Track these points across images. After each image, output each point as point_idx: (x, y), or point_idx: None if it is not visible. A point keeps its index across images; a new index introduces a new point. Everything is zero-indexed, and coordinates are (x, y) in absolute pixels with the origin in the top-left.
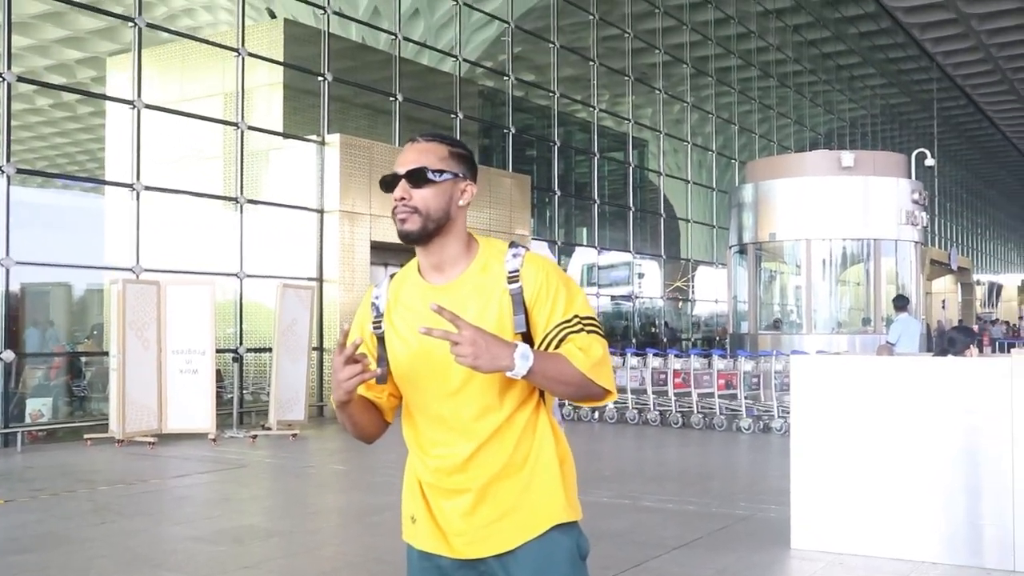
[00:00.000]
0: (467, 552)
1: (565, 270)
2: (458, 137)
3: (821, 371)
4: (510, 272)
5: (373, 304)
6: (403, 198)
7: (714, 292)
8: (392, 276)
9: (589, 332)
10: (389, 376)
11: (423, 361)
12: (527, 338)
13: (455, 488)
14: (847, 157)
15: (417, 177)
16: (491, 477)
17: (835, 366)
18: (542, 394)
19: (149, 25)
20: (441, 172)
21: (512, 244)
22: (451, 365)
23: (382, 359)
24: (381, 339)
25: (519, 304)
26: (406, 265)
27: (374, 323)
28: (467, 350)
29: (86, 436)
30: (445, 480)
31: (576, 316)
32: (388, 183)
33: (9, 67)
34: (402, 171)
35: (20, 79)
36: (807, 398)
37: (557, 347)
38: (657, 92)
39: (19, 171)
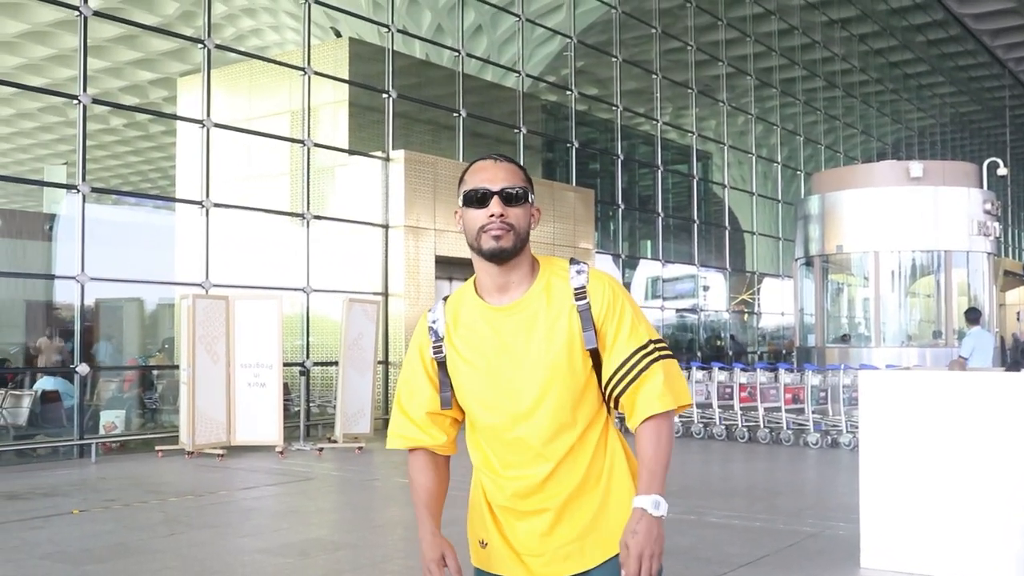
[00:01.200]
0: (546, 573)
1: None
2: (522, 151)
3: (891, 386)
4: (576, 289)
5: (431, 329)
6: (501, 215)
7: (780, 305)
8: (445, 299)
9: (662, 357)
10: (453, 400)
11: (492, 385)
12: (596, 353)
13: (532, 510)
14: (916, 167)
15: (518, 197)
16: (569, 495)
17: (905, 381)
18: (608, 408)
19: (218, 46)
20: (529, 193)
21: (572, 261)
22: (522, 388)
23: (444, 384)
24: (442, 364)
25: (588, 320)
26: (460, 288)
27: (434, 348)
28: (648, 568)
29: (157, 448)
30: (521, 503)
31: (650, 341)
32: (478, 199)
33: (84, 89)
34: (496, 188)
35: (95, 101)
36: (877, 414)
37: (636, 377)
38: (721, 104)
39: (94, 190)
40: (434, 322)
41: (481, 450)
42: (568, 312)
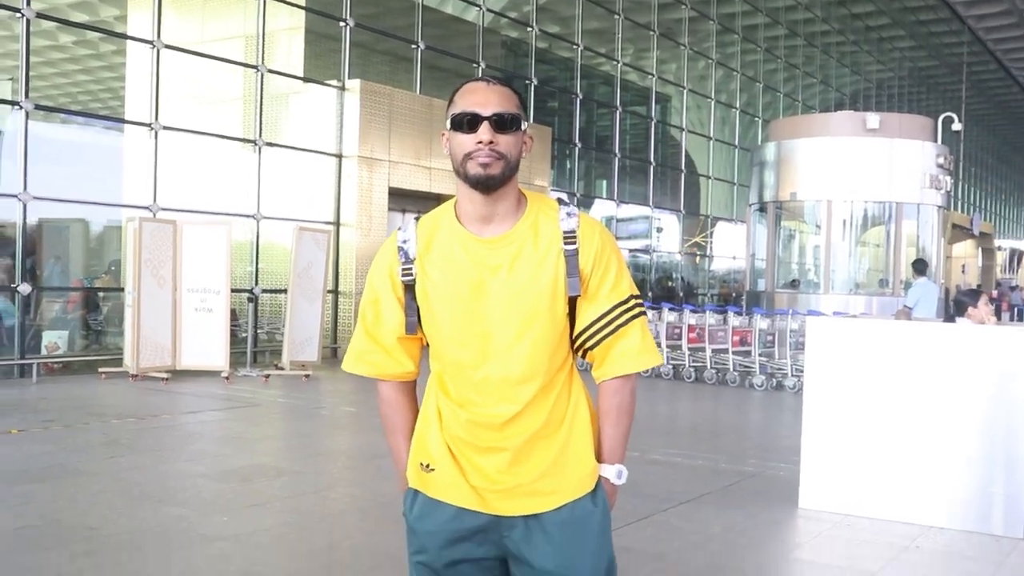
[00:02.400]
0: (501, 508)
1: None
2: None
3: (837, 333)
4: (566, 232)
5: (400, 249)
6: (491, 142)
7: (732, 249)
8: (418, 219)
9: (639, 315)
10: (418, 325)
11: (465, 320)
12: (574, 301)
13: (489, 447)
14: (872, 119)
15: (509, 122)
16: (529, 438)
17: (851, 328)
18: (574, 352)
19: None
20: (522, 120)
21: (561, 202)
22: (497, 327)
23: (411, 308)
24: (410, 287)
25: (574, 266)
26: (436, 210)
27: (403, 270)
28: None
29: (100, 370)
30: (479, 437)
31: (631, 296)
32: (467, 123)
33: (28, 3)
34: (487, 112)
35: (40, 15)
36: (821, 359)
37: (612, 333)
38: (682, 48)
39: (37, 107)
40: (404, 242)
41: (441, 379)
42: (556, 255)
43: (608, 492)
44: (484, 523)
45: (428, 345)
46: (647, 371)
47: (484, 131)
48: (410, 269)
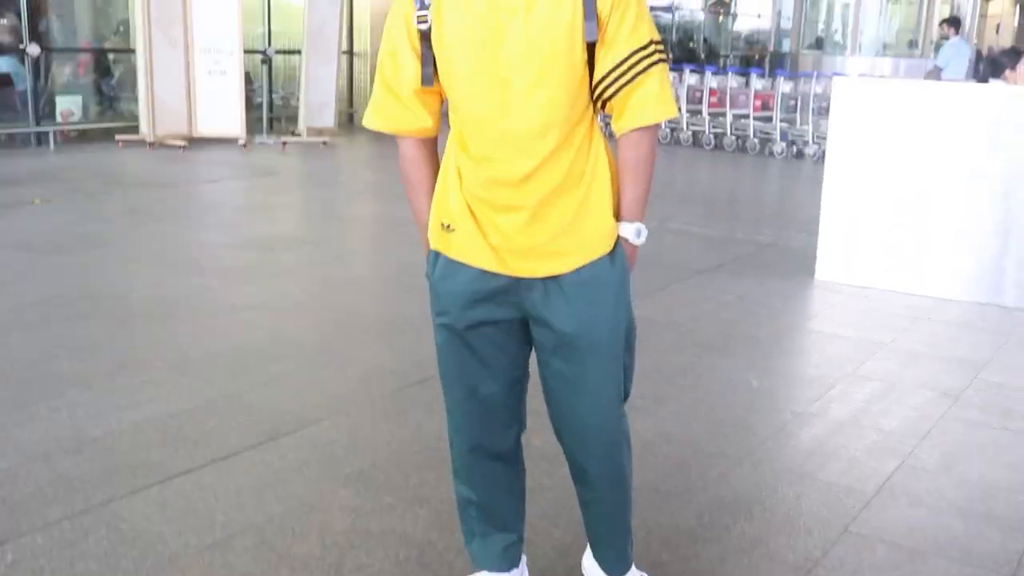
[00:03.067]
0: (520, 269)
1: None
2: None
3: (863, 95)
4: None
5: None
6: None
7: (757, 7)
8: None
9: (660, 61)
10: (435, 76)
11: (481, 68)
12: (593, 47)
13: (507, 205)
14: None
15: None
16: (547, 195)
17: (878, 89)
18: (594, 105)
19: None
20: None
21: None
22: (514, 75)
23: (427, 59)
24: (426, 36)
25: (591, 10)
26: None
27: (418, 17)
28: None
29: (117, 137)
30: (498, 194)
31: (651, 41)
32: None
33: None
34: None
35: None
36: (845, 124)
37: (631, 80)
38: None
39: None
40: None
41: (460, 135)
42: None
43: (627, 252)
44: (504, 284)
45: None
46: (666, 136)
47: None
48: (425, 16)
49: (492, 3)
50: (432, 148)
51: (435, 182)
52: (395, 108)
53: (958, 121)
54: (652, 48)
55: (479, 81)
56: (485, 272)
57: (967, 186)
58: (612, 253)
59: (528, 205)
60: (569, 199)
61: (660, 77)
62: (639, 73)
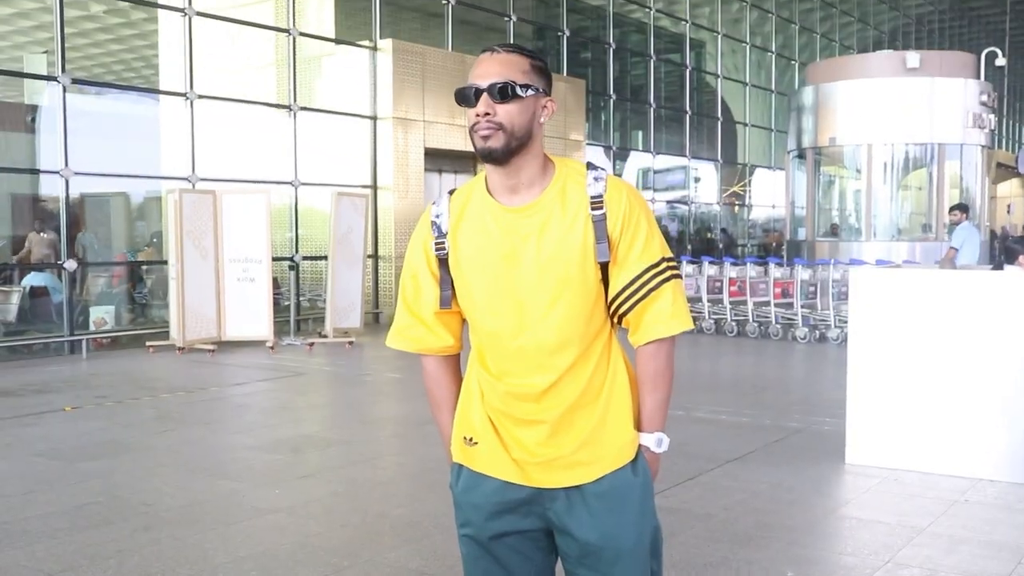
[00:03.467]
0: (542, 480)
1: (620, 175)
2: (512, 40)
3: (881, 283)
4: (593, 197)
5: (434, 223)
6: (487, 113)
7: (771, 197)
8: (452, 193)
9: (672, 277)
10: (453, 299)
11: (497, 289)
12: (606, 267)
13: (528, 419)
14: (912, 57)
15: (503, 92)
16: (567, 408)
17: (895, 278)
18: (611, 319)
19: None
20: (527, 87)
21: (590, 165)
22: (530, 296)
23: (445, 282)
24: (444, 261)
25: (602, 232)
26: (469, 183)
27: (436, 244)
28: None
29: (148, 343)
30: (518, 409)
31: (663, 259)
32: (467, 96)
33: None
34: (484, 84)
35: None
36: (866, 311)
37: (644, 297)
38: None
39: (74, 81)
40: (437, 216)
41: (480, 352)
42: (583, 221)
43: (649, 461)
44: (527, 496)
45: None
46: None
47: (481, 103)
48: (443, 243)
49: (505, 229)
50: (455, 364)
51: (457, 398)
52: (417, 329)
53: (977, 306)
54: (664, 265)
55: (496, 302)
56: (508, 483)
57: (992, 368)
58: (634, 462)
59: (548, 419)
60: (589, 412)
61: (673, 292)
62: (652, 289)
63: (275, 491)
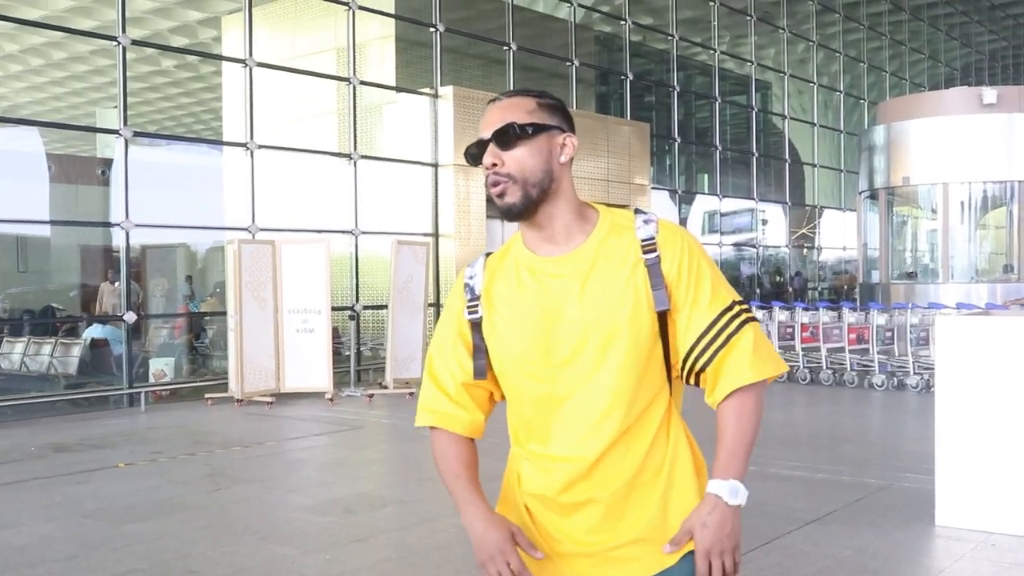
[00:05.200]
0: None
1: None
2: (574, 85)
3: (970, 331)
4: (644, 240)
5: (467, 286)
6: (494, 164)
7: (841, 239)
8: (488, 255)
9: (749, 320)
10: (488, 370)
11: (538, 348)
12: (664, 318)
13: (577, 501)
14: (989, 93)
15: (504, 135)
16: (622, 485)
17: (985, 326)
18: (671, 388)
19: None
20: (532, 126)
21: (637, 211)
22: (575, 353)
23: (479, 350)
24: (476, 325)
25: (658, 277)
26: (506, 243)
27: (469, 308)
28: (729, 562)
29: (207, 396)
30: (564, 493)
31: (735, 302)
32: (474, 154)
33: (124, 30)
34: (487, 134)
35: (135, 42)
36: (954, 361)
37: (724, 344)
38: (781, 31)
39: (136, 134)
40: (471, 278)
41: (519, 426)
42: (633, 266)
43: (719, 520)
44: None
45: (504, 399)
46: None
47: (488, 155)
48: (476, 306)
49: (544, 281)
50: (473, 448)
51: (470, 457)
52: (444, 404)
53: None
54: (738, 308)
55: (536, 362)
56: None
57: None
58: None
59: (602, 497)
60: (648, 492)
61: (755, 335)
62: (732, 335)
63: (326, 557)
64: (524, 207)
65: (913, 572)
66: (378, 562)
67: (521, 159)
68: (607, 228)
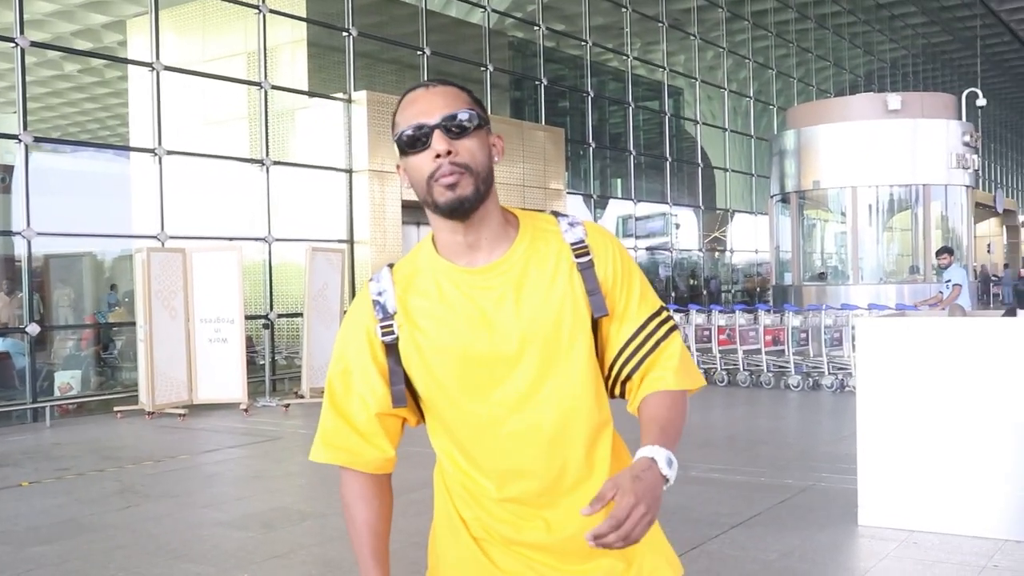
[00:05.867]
0: None
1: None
2: (489, 90)
3: (889, 332)
4: (574, 244)
5: (376, 303)
6: (448, 152)
7: (753, 242)
8: (391, 266)
9: (674, 327)
10: (408, 397)
11: (471, 365)
12: (597, 325)
13: (544, 530)
14: (894, 100)
15: (461, 126)
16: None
17: (904, 327)
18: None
19: None
20: (480, 118)
21: (556, 214)
22: (512, 367)
23: (396, 374)
24: (392, 347)
25: (592, 281)
26: (409, 253)
27: (383, 328)
28: (641, 513)
29: (116, 409)
30: (525, 526)
31: (662, 307)
32: (414, 139)
33: (21, 32)
34: (435, 119)
35: (34, 44)
36: (874, 361)
37: (652, 350)
38: (692, 38)
39: (36, 139)
40: (380, 294)
41: (451, 450)
42: (567, 272)
43: (652, 479)
44: None
45: (424, 422)
46: None
47: (437, 141)
48: (390, 326)
49: (471, 294)
50: (384, 483)
51: (388, 524)
52: (349, 438)
53: (993, 354)
54: (665, 314)
55: (472, 380)
56: None
57: (1012, 420)
58: None
59: (555, 541)
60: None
61: (680, 344)
62: (660, 340)
63: (244, 575)
64: (475, 201)
65: (839, 573)
66: None
67: (472, 150)
68: (531, 233)
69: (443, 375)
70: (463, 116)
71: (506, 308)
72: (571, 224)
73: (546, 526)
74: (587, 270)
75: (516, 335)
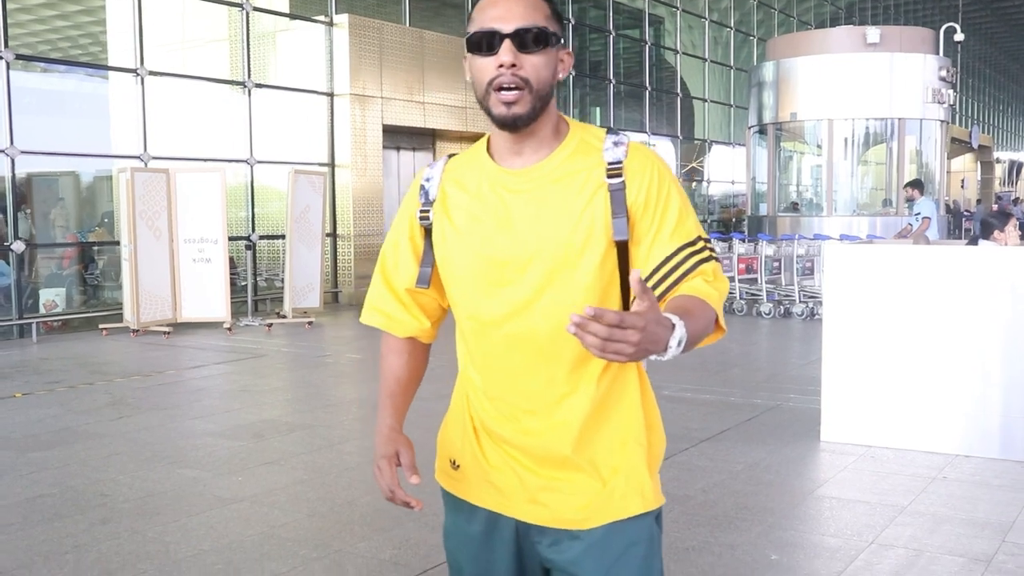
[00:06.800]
0: (530, 515)
1: None
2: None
3: (855, 259)
4: (611, 163)
5: (422, 188)
6: (513, 64)
7: (730, 173)
8: (451, 156)
9: (710, 258)
10: (433, 279)
11: (483, 260)
12: (624, 248)
13: (523, 433)
14: (872, 33)
15: (532, 39)
16: (572, 422)
17: (870, 254)
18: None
19: None
20: (555, 36)
21: (610, 130)
22: (520, 270)
23: (427, 257)
24: (428, 232)
25: (620, 204)
26: (472, 146)
27: (421, 213)
28: (633, 341)
29: (101, 326)
30: (507, 425)
31: (700, 239)
32: (481, 44)
33: None
34: (508, 28)
35: None
36: (840, 287)
37: (679, 281)
38: None
39: (18, 57)
40: (427, 180)
41: (460, 346)
42: (595, 189)
43: (663, 330)
44: (520, 530)
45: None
46: None
47: (505, 51)
48: (428, 212)
49: (501, 193)
50: (420, 346)
51: (416, 385)
52: (393, 306)
53: (953, 282)
54: (702, 244)
55: (480, 275)
56: (494, 514)
57: (966, 344)
58: (642, 523)
59: (547, 433)
60: (595, 436)
61: (715, 274)
62: (688, 271)
63: (237, 479)
64: (529, 120)
65: (801, 483)
66: (291, 483)
67: (538, 66)
68: (574, 145)
69: (460, 267)
70: (537, 31)
71: (528, 213)
72: (616, 143)
73: (526, 430)
74: (617, 192)
75: (531, 241)
